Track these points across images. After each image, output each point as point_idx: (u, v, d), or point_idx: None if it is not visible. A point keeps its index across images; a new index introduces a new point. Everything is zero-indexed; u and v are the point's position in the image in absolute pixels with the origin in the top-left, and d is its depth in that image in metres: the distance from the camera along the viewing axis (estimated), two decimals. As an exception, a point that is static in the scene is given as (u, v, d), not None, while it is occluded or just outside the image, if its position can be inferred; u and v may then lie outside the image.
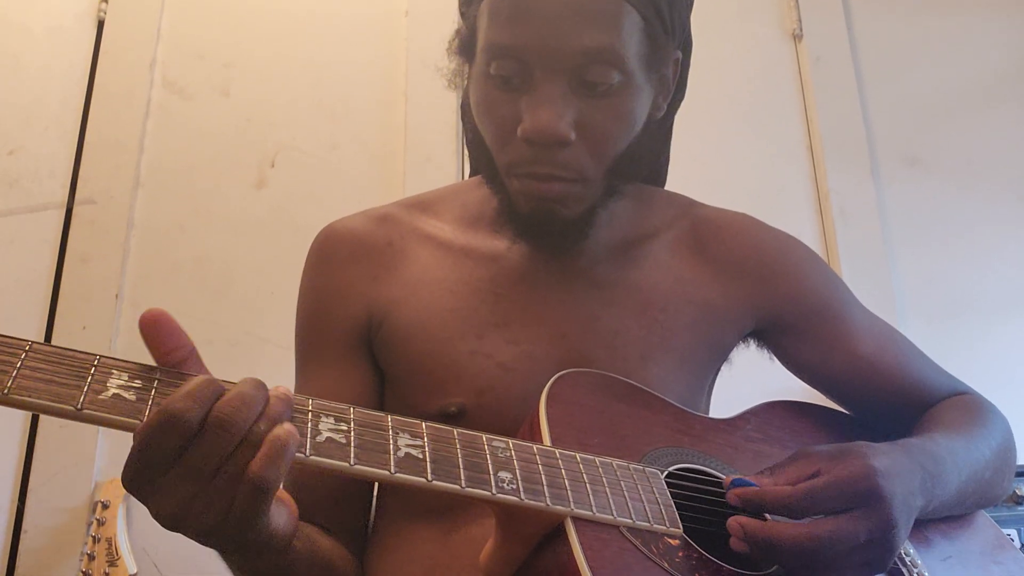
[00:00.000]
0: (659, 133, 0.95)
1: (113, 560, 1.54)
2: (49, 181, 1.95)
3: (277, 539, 0.63)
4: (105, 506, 1.64)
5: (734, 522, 0.69)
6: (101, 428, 1.74)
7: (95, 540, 1.59)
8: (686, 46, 0.93)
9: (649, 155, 0.92)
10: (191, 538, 0.59)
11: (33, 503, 1.72)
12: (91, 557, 1.57)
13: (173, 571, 1.71)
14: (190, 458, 0.55)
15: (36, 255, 1.89)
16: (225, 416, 0.55)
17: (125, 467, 0.56)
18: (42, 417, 1.76)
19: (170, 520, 0.57)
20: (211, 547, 0.61)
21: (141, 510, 1.71)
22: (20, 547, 1.70)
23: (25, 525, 1.71)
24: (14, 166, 1.95)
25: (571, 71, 0.79)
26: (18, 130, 1.98)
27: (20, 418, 1.77)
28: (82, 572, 1.55)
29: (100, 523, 1.62)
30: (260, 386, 0.58)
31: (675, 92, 0.93)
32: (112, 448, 1.76)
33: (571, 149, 0.81)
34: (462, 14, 0.89)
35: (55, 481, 1.73)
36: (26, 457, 1.75)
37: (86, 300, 1.86)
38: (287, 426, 0.57)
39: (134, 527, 1.69)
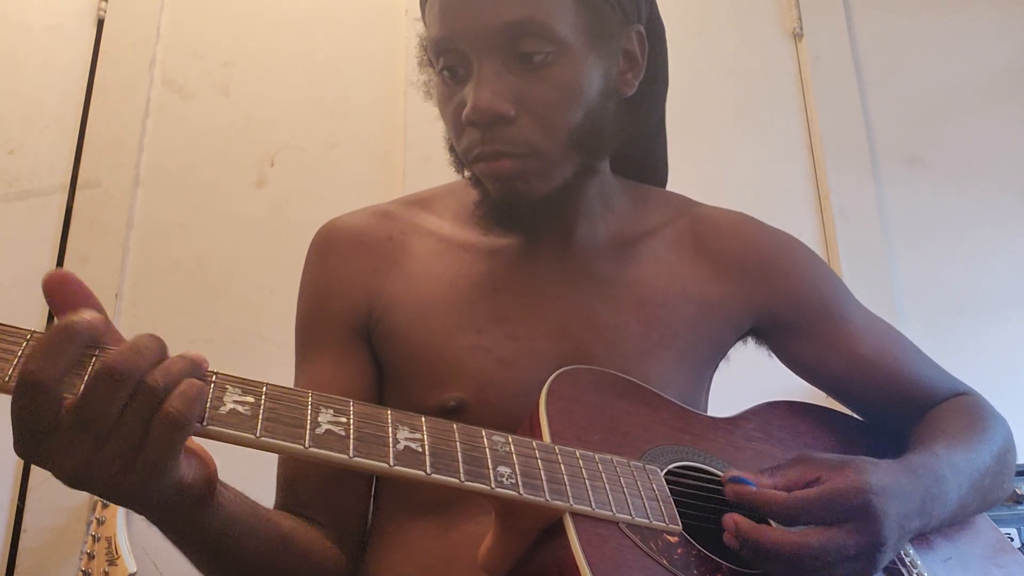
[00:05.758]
0: (639, 115, 0.94)
1: (113, 559, 1.54)
2: (48, 180, 1.95)
3: (190, 490, 0.60)
4: (105, 505, 1.63)
5: (729, 518, 0.69)
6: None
7: (95, 539, 1.59)
8: (653, 25, 0.92)
9: (619, 131, 0.90)
10: (97, 495, 0.58)
11: (33, 502, 1.72)
12: (91, 556, 1.57)
13: (172, 570, 1.71)
14: (80, 412, 0.54)
15: (35, 254, 1.89)
16: (112, 363, 0.54)
17: (12, 437, 0.54)
18: (41, 416, 1.76)
19: (71, 478, 0.56)
20: (122, 505, 0.59)
21: (140, 509, 1.72)
22: (20, 546, 1.70)
23: (25, 524, 1.71)
24: (14, 165, 1.95)
25: (501, 48, 0.81)
26: (18, 129, 1.98)
27: (19, 417, 1.76)
28: (82, 571, 1.54)
29: (100, 522, 1.61)
30: (155, 339, 0.57)
31: (656, 78, 0.93)
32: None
33: (516, 125, 0.81)
34: (424, 24, 0.90)
35: (55, 480, 1.71)
36: (26, 456, 1.75)
37: (86, 299, 1.86)
38: (197, 381, 0.56)
39: (134, 526, 1.68)
